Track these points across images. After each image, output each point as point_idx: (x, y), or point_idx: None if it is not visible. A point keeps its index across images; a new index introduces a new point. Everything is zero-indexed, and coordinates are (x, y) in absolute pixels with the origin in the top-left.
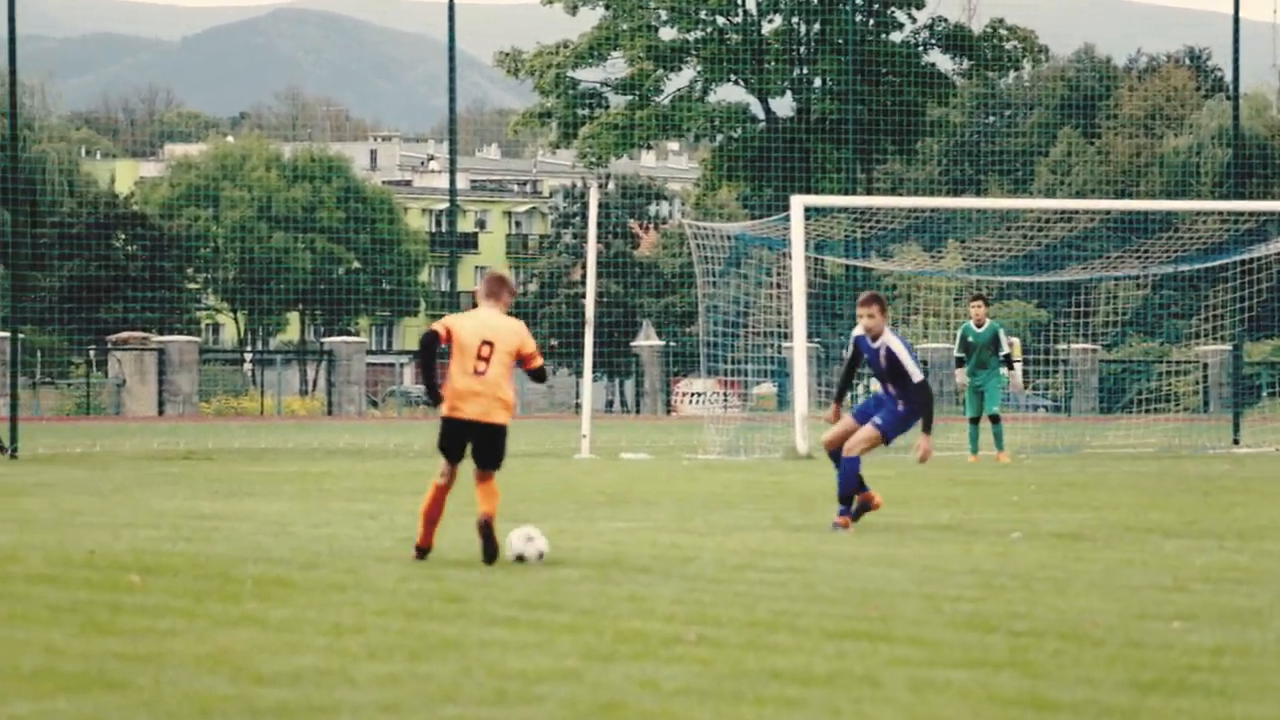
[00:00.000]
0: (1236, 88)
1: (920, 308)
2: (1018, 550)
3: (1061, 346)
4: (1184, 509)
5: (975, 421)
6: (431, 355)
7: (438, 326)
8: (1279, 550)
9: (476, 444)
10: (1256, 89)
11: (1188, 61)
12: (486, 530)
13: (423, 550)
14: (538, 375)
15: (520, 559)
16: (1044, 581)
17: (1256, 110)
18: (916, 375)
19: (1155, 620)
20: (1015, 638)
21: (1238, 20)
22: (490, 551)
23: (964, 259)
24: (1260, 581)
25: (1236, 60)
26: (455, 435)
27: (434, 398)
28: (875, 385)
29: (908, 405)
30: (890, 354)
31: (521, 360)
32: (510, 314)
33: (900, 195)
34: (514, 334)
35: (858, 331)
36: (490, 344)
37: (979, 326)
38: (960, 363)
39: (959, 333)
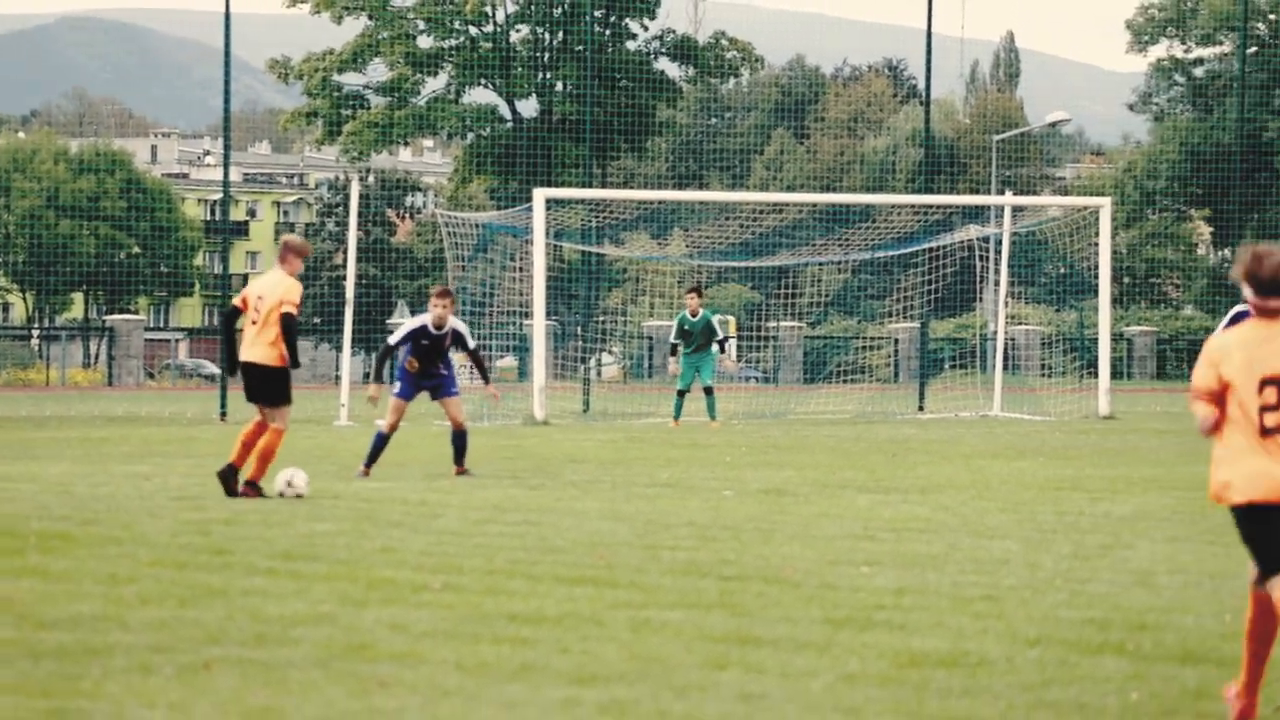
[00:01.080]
0: (928, 95)
1: (648, 289)
2: (728, 505)
3: (772, 324)
4: (874, 468)
5: (683, 394)
6: (231, 328)
7: (236, 300)
8: (955, 504)
9: (255, 384)
10: (946, 96)
11: (886, 71)
12: (250, 490)
13: (232, 467)
14: (281, 323)
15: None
16: (751, 532)
17: (945, 115)
18: (473, 343)
19: (847, 565)
20: (725, 582)
21: (930, 35)
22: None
23: (687, 246)
24: (938, 531)
25: (929, 70)
26: (244, 376)
27: (230, 368)
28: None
29: (451, 370)
30: (457, 333)
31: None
32: (300, 276)
33: (632, 189)
34: (277, 291)
35: (423, 321)
36: (261, 298)
37: (694, 316)
38: (675, 349)
39: (676, 321)
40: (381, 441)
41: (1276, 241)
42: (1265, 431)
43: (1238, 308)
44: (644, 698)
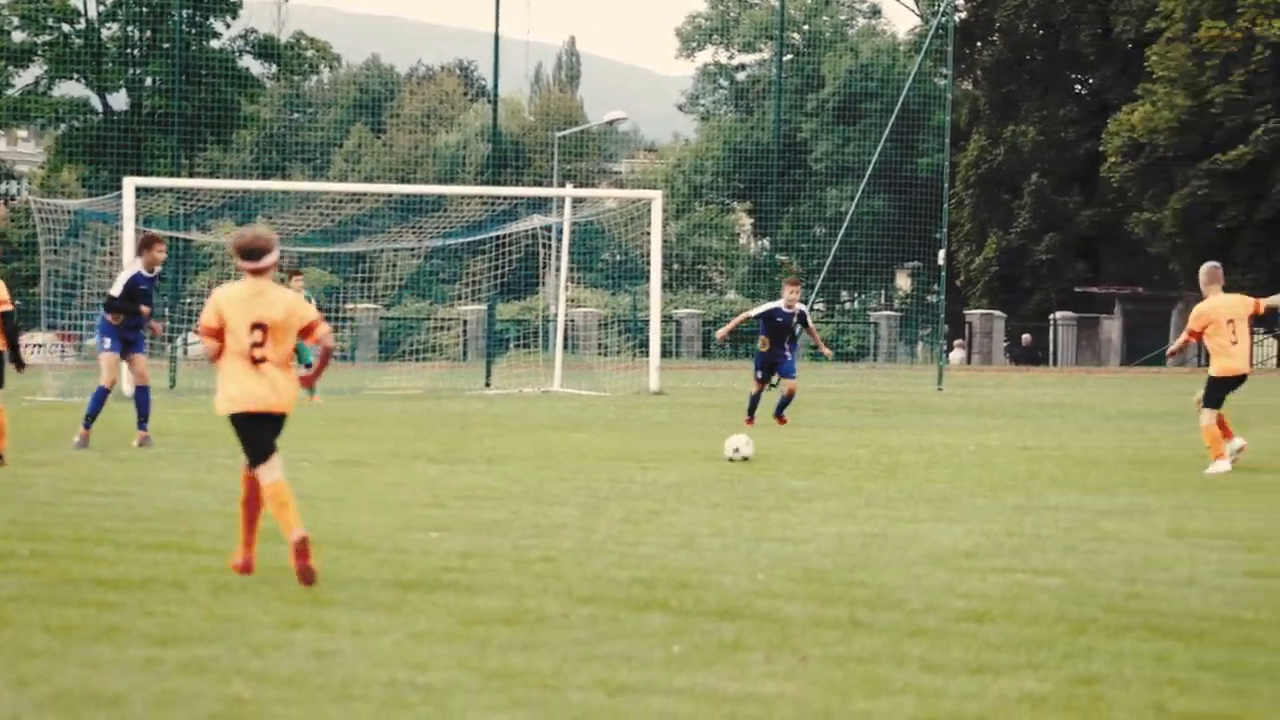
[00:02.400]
0: (496, 94)
1: (233, 274)
2: (306, 475)
3: (350, 306)
4: (444, 440)
5: None
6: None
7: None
8: (518, 473)
9: None
10: (512, 95)
11: (458, 71)
12: None
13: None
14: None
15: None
16: (326, 500)
17: (512, 113)
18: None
19: (417, 531)
20: None
21: (497, 38)
22: None
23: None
24: (502, 499)
25: (496, 71)
26: None
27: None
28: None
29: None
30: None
31: None
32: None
33: (218, 178)
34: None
35: (137, 268)
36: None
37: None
38: None
39: None
40: (103, 396)
41: (809, 231)
42: (255, 361)
43: (770, 305)
44: (222, 655)
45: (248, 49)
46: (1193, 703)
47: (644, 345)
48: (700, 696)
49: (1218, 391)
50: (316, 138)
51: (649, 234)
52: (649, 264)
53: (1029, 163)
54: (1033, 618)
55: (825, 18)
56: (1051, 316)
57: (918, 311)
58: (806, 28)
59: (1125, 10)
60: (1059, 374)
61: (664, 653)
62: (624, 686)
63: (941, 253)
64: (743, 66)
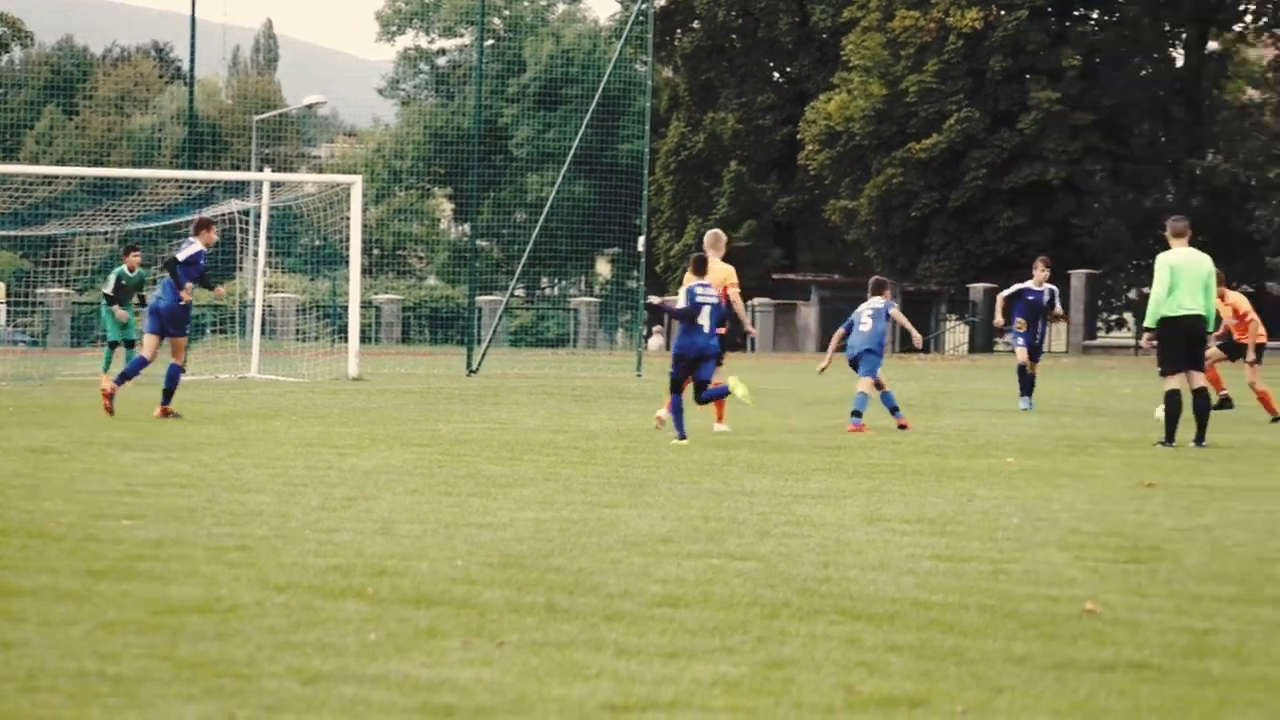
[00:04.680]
0: (192, 76)
1: None
2: None
3: (41, 290)
4: (138, 427)
5: (114, 345)
6: None
7: None
8: (214, 460)
9: None
10: (209, 77)
11: (153, 53)
12: None
13: None
14: None
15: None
16: (16, 489)
17: (209, 96)
18: None
19: (109, 519)
20: None
21: (194, 20)
22: None
23: None
24: (197, 486)
25: (192, 53)
26: None
27: None
28: None
29: None
30: None
31: None
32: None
33: None
34: None
35: None
36: None
37: (131, 271)
38: (111, 300)
39: (114, 276)
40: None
41: (510, 217)
42: None
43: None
44: None
45: None
46: (881, 684)
47: (343, 331)
48: (394, 683)
49: None
50: (7, 119)
51: (349, 219)
52: (349, 249)
53: (728, 149)
54: (727, 602)
55: (526, 3)
56: (750, 303)
57: (618, 298)
58: (507, 13)
59: None
60: (756, 360)
61: (359, 640)
62: (318, 675)
63: (641, 239)
64: (443, 51)
